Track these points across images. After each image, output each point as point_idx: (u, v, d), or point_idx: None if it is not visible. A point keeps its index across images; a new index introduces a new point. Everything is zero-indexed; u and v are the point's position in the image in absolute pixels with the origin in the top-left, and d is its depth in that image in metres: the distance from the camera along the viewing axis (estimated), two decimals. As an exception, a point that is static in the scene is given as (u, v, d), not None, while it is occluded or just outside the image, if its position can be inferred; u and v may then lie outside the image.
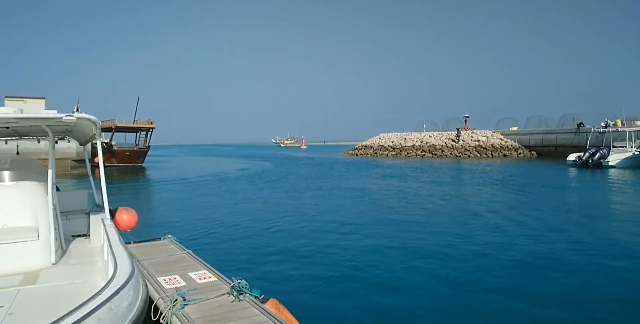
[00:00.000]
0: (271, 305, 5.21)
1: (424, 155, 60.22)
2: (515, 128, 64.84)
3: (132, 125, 47.61)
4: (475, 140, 60.36)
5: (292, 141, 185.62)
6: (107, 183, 6.30)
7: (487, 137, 60.65)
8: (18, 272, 5.22)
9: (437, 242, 10.78)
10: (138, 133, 49.15)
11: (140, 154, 48.70)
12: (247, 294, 5.30)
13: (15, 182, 6.09)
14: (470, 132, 63.81)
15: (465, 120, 68.84)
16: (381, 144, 67.95)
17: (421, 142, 63.72)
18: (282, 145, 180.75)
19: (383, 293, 7.23)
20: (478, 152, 57.67)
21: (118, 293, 3.17)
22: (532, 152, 56.81)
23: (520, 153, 56.64)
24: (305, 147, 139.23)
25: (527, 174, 31.73)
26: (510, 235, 11.60)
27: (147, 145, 49.17)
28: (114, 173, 37.54)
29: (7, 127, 6.04)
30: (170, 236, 8.75)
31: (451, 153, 58.51)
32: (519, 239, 11.01)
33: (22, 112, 5.53)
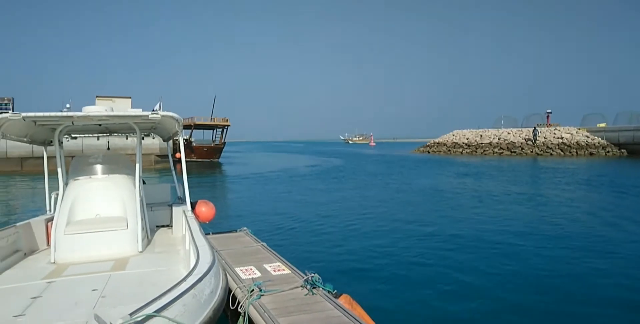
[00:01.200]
0: (344, 300, 5.18)
1: (502, 152, 57.30)
2: (603, 125, 59.73)
3: (209, 123, 49.90)
4: (558, 137, 56.39)
5: (361, 138, 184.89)
6: (186, 177, 6.62)
7: (572, 134, 56.37)
8: (109, 258, 5.63)
9: (524, 247, 10.10)
10: (214, 130, 51.41)
11: (216, 150, 50.97)
12: (320, 289, 5.31)
13: (107, 175, 6.58)
14: (552, 128, 59.74)
15: (548, 116, 64.52)
16: (455, 141, 65.64)
17: (499, 139, 60.72)
18: (350, 142, 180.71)
19: (457, 298, 6.94)
20: (561, 150, 53.80)
21: (201, 280, 3.29)
22: (622, 150, 52.02)
23: (608, 152, 52.05)
24: (374, 143, 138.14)
25: (620, 174, 29.09)
26: (613, 241, 10.61)
27: (222, 141, 51.34)
28: (192, 168, 39.60)
29: (100, 124, 6.54)
30: (245, 228, 9.03)
31: (532, 151, 55.11)
32: (623, 247, 10.04)
33: (112, 110, 5.95)
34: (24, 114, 5.15)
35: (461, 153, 61.17)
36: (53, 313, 3.76)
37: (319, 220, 13.44)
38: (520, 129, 62.43)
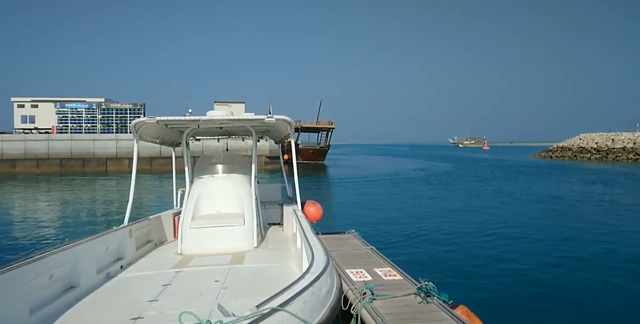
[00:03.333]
0: (461, 312, 4.84)
1: (638, 159, 50.66)
2: None
3: (315, 126, 51.28)
4: None
5: (472, 141, 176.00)
6: (297, 178, 6.77)
7: None
8: (228, 252, 5.93)
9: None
10: (320, 133, 52.68)
11: (321, 152, 52.16)
12: (435, 297, 5.02)
13: (227, 174, 6.98)
14: None
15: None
16: (582, 146, 59.53)
17: (634, 143, 53.79)
18: (460, 145, 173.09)
19: (585, 316, 6.13)
20: None
21: (318, 279, 3.26)
22: None
23: None
24: (488, 147, 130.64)
25: None
26: None
27: (327, 144, 52.41)
28: (298, 169, 40.86)
29: (221, 127, 6.98)
30: (353, 230, 8.98)
31: (676, 158, 47.98)
32: None
33: (232, 114, 6.32)
34: (158, 118, 5.66)
35: (589, 159, 55.30)
36: (181, 300, 4.02)
37: (428, 226, 12.94)
38: (661, 132, 54.67)
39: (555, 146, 64.94)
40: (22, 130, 48.49)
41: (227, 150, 8.96)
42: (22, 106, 49.69)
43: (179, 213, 6.84)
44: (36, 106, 49.90)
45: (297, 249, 5.50)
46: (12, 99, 50.73)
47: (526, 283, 7.61)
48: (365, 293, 5.01)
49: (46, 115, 49.02)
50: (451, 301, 5.01)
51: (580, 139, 62.28)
